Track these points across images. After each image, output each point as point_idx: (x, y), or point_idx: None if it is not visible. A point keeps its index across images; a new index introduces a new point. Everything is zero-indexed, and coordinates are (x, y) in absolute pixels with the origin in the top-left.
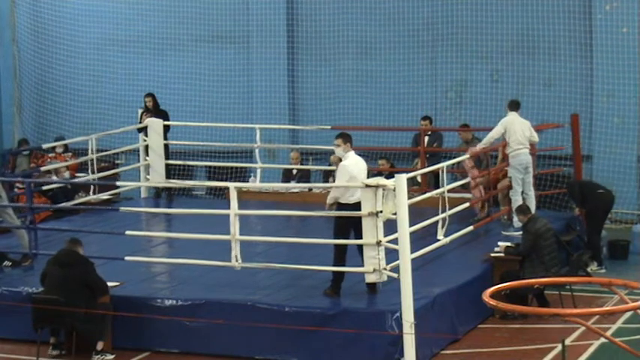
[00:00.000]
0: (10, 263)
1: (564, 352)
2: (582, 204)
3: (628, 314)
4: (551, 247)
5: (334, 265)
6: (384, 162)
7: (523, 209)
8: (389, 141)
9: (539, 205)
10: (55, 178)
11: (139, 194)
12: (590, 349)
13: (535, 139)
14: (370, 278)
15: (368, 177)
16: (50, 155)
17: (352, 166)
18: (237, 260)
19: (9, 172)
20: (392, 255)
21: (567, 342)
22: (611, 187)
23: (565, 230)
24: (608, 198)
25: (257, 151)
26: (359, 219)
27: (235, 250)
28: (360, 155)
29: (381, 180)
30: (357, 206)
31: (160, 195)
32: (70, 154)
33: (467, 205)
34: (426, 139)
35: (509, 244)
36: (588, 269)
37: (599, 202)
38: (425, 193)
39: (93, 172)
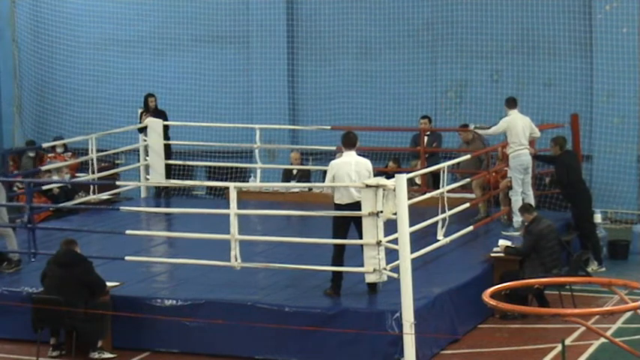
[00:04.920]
0: (12, 265)
1: (564, 352)
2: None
3: (628, 314)
4: (553, 248)
5: (332, 264)
6: (394, 165)
7: (527, 208)
8: (389, 141)
9: (538, 205)
10: (55, 177)
11: (139, 194)
12: (590, 349)
13: (537, 134)
14: (370, 278)
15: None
16: (50, 155)
17: (337, 165)
18: (236, 260)
19: (10, 172)
20: (392, 255)
21: (567, 342)
22: (612, 187)
23: (565, 230)
24: (590, 194)
25: (257, 151)
26: (355, 219)
27: (235, 250)
28: (361, 155)
29: (381, 180)
30: (352, 207)
31: (160, 195)
32: (69, 153)
33: (467, 205)
34: (425, 139)
35: (509, 244)
36: (588, 269)
37: (588, 202)
38: (425, 193)
39: (93, 172)
